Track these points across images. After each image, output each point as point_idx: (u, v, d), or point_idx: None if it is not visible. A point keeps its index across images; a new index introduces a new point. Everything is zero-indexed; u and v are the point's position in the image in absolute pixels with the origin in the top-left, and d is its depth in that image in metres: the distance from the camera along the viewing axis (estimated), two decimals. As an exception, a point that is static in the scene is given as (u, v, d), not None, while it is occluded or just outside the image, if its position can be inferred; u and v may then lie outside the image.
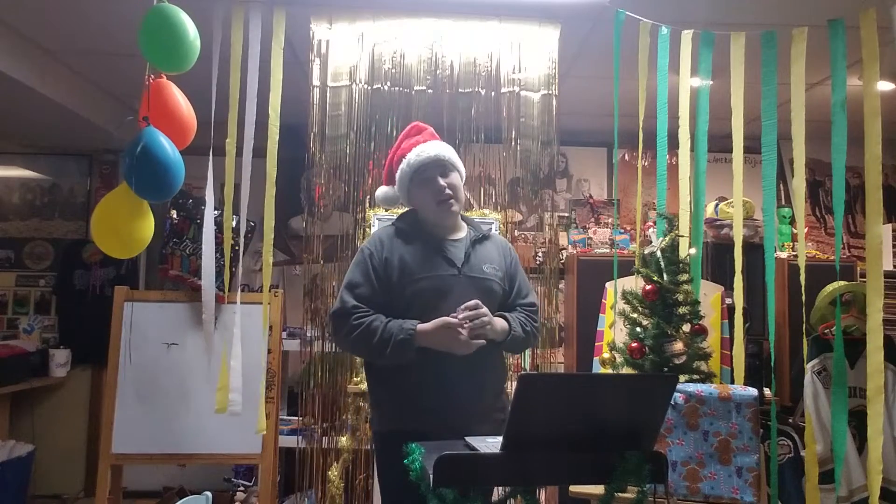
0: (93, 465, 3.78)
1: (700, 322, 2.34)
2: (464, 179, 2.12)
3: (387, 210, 2.96)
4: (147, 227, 2.15)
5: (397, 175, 2.05)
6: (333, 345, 3.03)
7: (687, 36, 2.61)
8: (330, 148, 2.85)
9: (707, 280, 3.27)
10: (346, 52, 2.83)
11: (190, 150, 2.21)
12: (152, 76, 2.14)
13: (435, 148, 2.02)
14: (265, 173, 2.56)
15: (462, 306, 1.86)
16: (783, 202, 4.18)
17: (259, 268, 2.60)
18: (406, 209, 2.16)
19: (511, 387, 2.74)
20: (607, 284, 3.25)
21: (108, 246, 2.14)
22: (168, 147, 2.08)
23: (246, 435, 2.78)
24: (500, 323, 1.95)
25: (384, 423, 1.99)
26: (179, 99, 2.23)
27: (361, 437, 3.08)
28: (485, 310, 1.88)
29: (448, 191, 2.00)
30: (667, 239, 2.36)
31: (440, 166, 2.01)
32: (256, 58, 2.55)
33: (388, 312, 1.92)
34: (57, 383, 4.23)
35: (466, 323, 1.85)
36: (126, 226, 2.11)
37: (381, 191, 2.16)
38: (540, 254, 3.71)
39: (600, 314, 3.30)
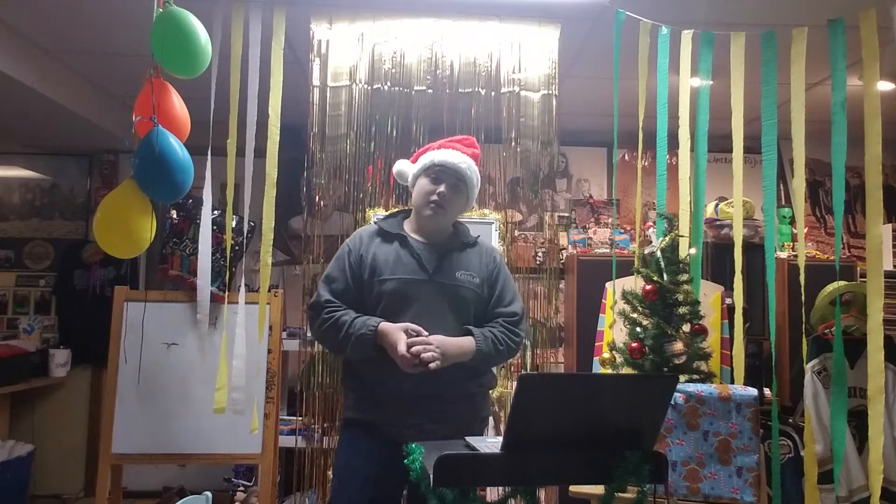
0: (93, 465, 3.78)
1: (700, 322, 2.34)
2: (468, 208, 2.17)
3: (387, 210, 2.96)
4: (149, 226, 2.16)
5: (422, 155, 2.10)
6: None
7: (687, 36, 2.61)
8: (330, 148, 2.85)
9: (707, 280, 3.27)
10: (346, 52, 2.83)
11: (190, 149, 2.21)
12: (152, 76, 2.14)
13: (465, 162, 2.06)
14: (265, 173, 2.56)
15: (413, 340, 1.86)
16: (783, 202, 4.18)
17: (259, 268, 2.60)
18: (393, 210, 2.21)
19: (511, 387, 2.75)
20: (607, 284, 3.25)
21: (111, 245, 2.14)
22: (178, 148, 2.09)
23: (246, 435, 2.77)
24: (460, 346, 1.94)
25: (346, 410, 2.07)
26: (175, 99, 2.23)
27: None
28: (433, 346, 1.86)
29: (441, 199, 2.02)
30: (667, 239, 2.36)
31: (455, 177, 2.05)
32: (256, 58, 2.55)
33: (361, 309, 1.97)
34: (57, 383, 4.22)
35: (414, 356, 1.84)
36: (129, 225, 2.11)
37: (402, 164, 2.19)
38: (540, 254, 3.72)
39: (600, 314, 3.30)
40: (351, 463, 1.99)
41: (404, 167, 2.17)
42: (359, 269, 2.01)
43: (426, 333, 1.89)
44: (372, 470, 1.94)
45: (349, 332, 1.91)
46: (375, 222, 2.13)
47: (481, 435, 2.04)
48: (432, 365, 1.84)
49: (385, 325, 1.90)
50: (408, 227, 2.11)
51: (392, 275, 1.98)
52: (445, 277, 2.01)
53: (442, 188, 2.03)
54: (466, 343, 1.95)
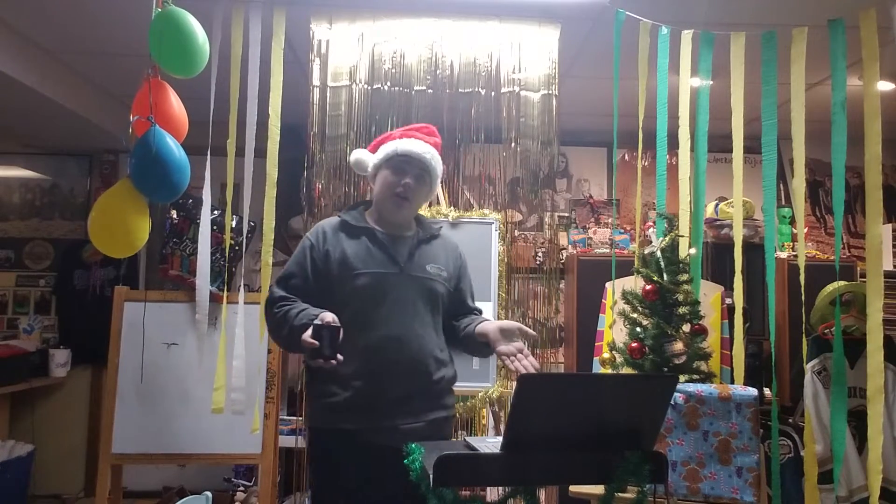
0: (93, 465, 3.78)
1: (700, 322, 2.34)
2: (431, 197, 2.13)
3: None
4: (144, 226, 2.15)
5: (383, 146, 2.02)
6: None
7: (687, 36, 2.61)
8: (330, 148, 2.84)
9: (707, 280, 3.27)
10: (346, 52, 2.83)
11: (190, 149, 2.21)
12: (150, 76, 2.14)
13: (427, 150, 2.00)
14: (265, 173, 2.56)
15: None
16: (783, 202, 4.18)
17: (259, 268, 2.60)
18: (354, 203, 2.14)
19: (511, 387, 2.75)
20: (607, 284, 3.25)
21: (105, 244, 2.13)
22: (175, 148, 2.09)
23: (246, 435, 2.78)
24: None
25: (314, 418, 1.94)
26: (173, 99, 2.23)
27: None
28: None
29: (407, 191, 1.96)
30: (667, 239, 2.36)
31: (418, 167, 1.98)
32: (256, 58, 2.55)
33: (325, 306, 1.83)
34: (57, 383, 4.22)
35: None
36: (124, 224, 2.11)
37: (359, 153, 2.09)
38: (540, 254, 3.71)
39: (600, 314, 3.30)
40: (331, 482, 1.88)
41: (363, 156, 2.07)
42: (324, 265, 1.91)
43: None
44: (356, 485, 1.84)
45: (295, 325, 1.78)
46: (338, 215, 2.04)
47: (450, 433, 2.02)
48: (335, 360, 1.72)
49: (326, 314, 1.76)
50: (370, 219, 2.03)
51: (364, 269, 1.90)
52: (417, 270, 1.95)
53: (407, 179, 1.96)
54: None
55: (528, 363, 1.79)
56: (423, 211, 3.00)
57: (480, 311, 2.10)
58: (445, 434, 1.99)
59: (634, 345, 2.32)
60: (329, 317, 1.73)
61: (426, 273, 1.97)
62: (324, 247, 1.93)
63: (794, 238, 3.80)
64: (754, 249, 3.08)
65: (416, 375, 1.87)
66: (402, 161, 1.97)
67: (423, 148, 2.00)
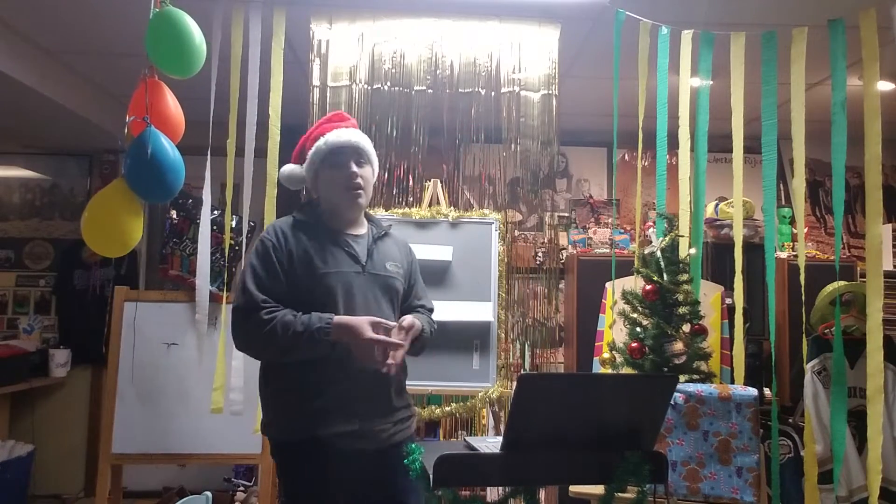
0: (93, 465, 3.78)
1: (700, 322, 2.34)
2: (375, 176, 2.04)
3: (387, 210, 2.96)
4: (137, 226, 2.14)
5: (309, 154, 1.94)
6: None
7: (687, 36, 2.61)
8: (330, 148, 2.84)
9: (707, 280, 3.27)
10: (346, 52, 2.83)
11: (190, 150, 2.21)
12: (146, 76, 2.14)
13: (355, 135, 1.95)
14: (265, 173, 2.56)
15: (399, 329, 1.79)
16: (783, 202, 4.18)
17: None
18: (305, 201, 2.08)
19: (511, 387, 2.74)
20: (607, 284, 3.25)
21: (98, 243, 2.12)
22: (169, 149, 2.09)
23: (246, 435, 2.78)
24: (415, 329, 1.87)
25: (282, 431, 1.85)
26: (169, 99, 2.23)
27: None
28: (401, 353, 1.79)
29: (359, 180, 1.92)
30: (667, 239, 2.36)
31: (356, 154, 1.93)
32: (256, 58, 2.55)
33: (292, 307, 1.80)
34: (57, 383, 4.22)
35: (382, 350, 1.76)
36: (118, 223, 2.09)
37: (288, 168, 2.02)
38: (540, 254, 3.72)
39: (600, 314, 3.30)
40: (311, 493, 1.81)
41: (294, 169, 2.01)
42: (289, 265, 1.84)
43: (388, 322, 1.80)
44: (337, 491, 1.79)
45: (300, 330, 1.73)
46: (291, 215, 1.98)
47: (414, 430, 2.01)
48: (388, 369, 1.75)
49: (343, 319, 1.76)
50: (324, 217, 1.97)
51: (328, 269, 1.85)
52: (377, 269, 1.92)
53: (353, 169, 1.91)
54: (418, 327, 1.88)
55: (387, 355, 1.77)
56: (424, 211, 3.01)
57: (432, 310, 2.07)
58: (412, 431, 1.97)
59: (634, 345, 2.32)
60: (375, 320, 1.77)
61: (387, 271, 1.94)
62: (286, 246, 1.87)
63: (794, 238, 3.80)
64: (754, 249, 3.08)
65: (386, 376, 1.81)
66: (338, 154, 1.92)
67: (351, 134, 1.94)
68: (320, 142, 1.92)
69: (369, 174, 1.98)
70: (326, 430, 1.77)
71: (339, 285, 1.85)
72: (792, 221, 3.90)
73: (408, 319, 1.84)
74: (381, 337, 1.75)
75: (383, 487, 1.84)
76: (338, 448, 1.78)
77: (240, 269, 3.03)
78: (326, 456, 1.78)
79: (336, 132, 1.93)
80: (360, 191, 1.93)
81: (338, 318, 1.76)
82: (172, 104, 2.23)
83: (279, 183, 2.56)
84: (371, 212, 3.00)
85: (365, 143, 1.97)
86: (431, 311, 2.07)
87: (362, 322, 1.76)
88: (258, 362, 1.92)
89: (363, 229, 2.00)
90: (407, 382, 2.01)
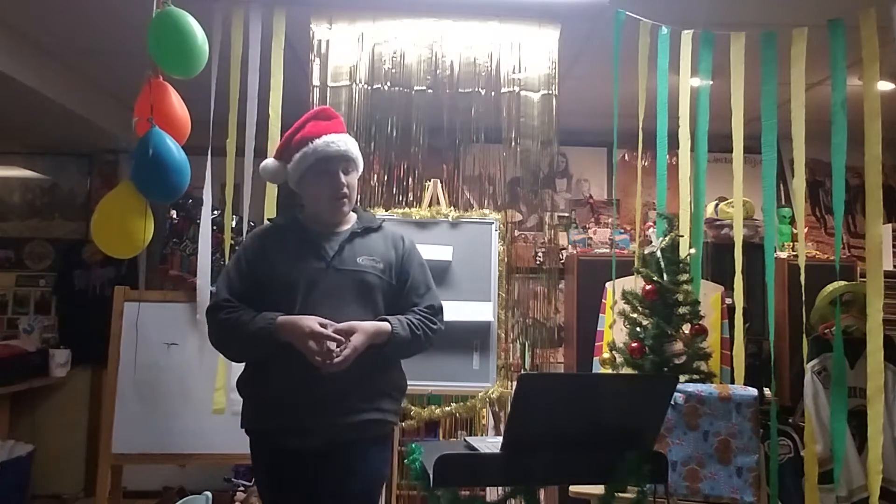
0: (93, 465, 3.78)
1: (700, 322, 2.33)
2: (359, 175, 2.05)
3: (387, 210, 2.96)
4: (147, 226, 2.16)
5: (297, 155, 1.91)
6: None
7: (687, 36, 2.61)
8: (330, 148, 2.84)
9: (707, 280, 3.27)
10: (346, 52, 2.83)
11: (190, 150, 2.21)
12: (151, 77, 2.14)
13: (345, 142, 1.94)
14: (265, 173, 2.55)
15: (333, 330, 1.77)
16: (783, 202, 4.18)
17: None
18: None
19: (511, 387, 2.73)
20: (607, 284, 3.25)
21: (109, 245, 2.14)
22: (174, 148, 2.09)
23: (246, 435, 2.77)
24: (376, 329, 1.84)
25: (246, 420, 1.94)
26: (175, 100, 2.23)
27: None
28: (351, 346, 1.77)
29: (345, 189, 1.93)
30: (667, 239, 2.36)
31: (345, 162, 1.94)
32: (256, 58, 2.55)
33: (259, 308, 1.84)
34: (57, 383, 4.22)
35: (332, 348, 1.75)
36: (127, 225, 2.12)
37: (271, 164, 2.01)
38: (540, 254, 3.72)
39: (600, 314, 3.30)
40: (267, 479, 1.93)
41: (276, 168, 1.99)
42: (257, 267, 1.90)
43: (334, 324, 1.78)
44: (286, 484, 1.86)
45: (248, 330, 1.79)
46: (268, 219, 2.04)
47: (386, 438, 1.97)
48: (337, 360, 1.74)
49: (286, 318, 1.78)
50: (304, 218, 1.99)
51: (289, 267, 1.87)
52: (345, 264, 1.90)
53: (341, 179, 1.92)
54: (382, 327, 1.85)
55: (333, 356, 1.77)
56: (424, 211, 3.01)
57: (432, 307, 1.99)
58: (380, 438, 1.92)
59: (634, 345, 2.32)
60: (319, 319, 1.77)
61: (356, 266, 1.90)
62: (255, 250, 1.93)
63: (794, 238, 3.80)
64: (754, 249, 3.08)
65: (346, 372, 1.78)
66: (327, 162, 1.91)
67: (338, 139, 1.93)
68: (309, 147, 1.90)
69: (355, 180, 2.00)
70: (269, 423, 1.86)
71: (297, 282, 1.86)
72: (792, 221, 3.90)
73: (354, 324, 1.80)
74: (322, 331, 1.74)
75: (327, 487, 1.85)
76: (280, 442, 1.85)
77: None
78: (272, 448, 1.87)
79: (325, 139, 1.91)
80: (346, 200, 1.95)
81: (281, 318, 1.79)
82: (178, 105, 2.23)
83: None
84: (371, 211, 3.02)
85: (353, 149, 1.97)
86: (433, 309, 1.99)
87: (304, 321, 1.77)
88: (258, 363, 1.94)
89: (346, 226, 1.99)
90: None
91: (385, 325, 1.86)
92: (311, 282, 1.86)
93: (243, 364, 1.97)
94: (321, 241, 1.93)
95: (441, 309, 2.02)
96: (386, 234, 2.04)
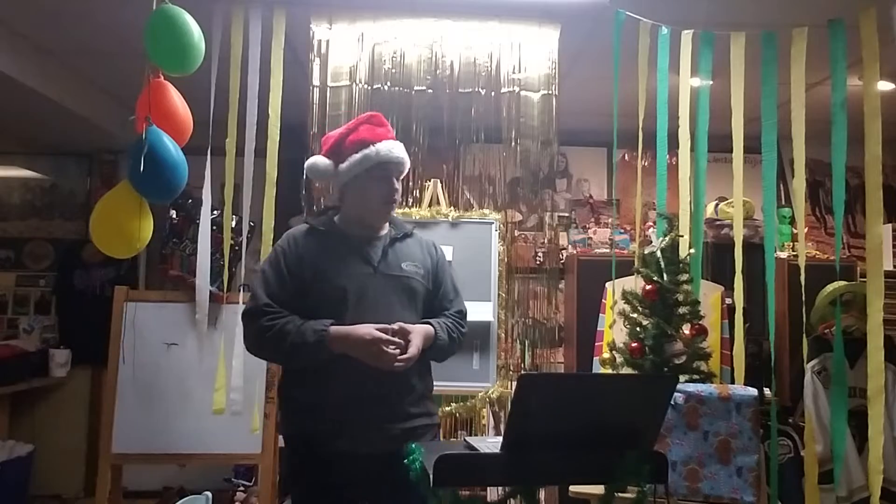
0: (93, 465, 3.77)
1: (700, 322, 2.33)
2: None
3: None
4: (146, 226, 2.16)
5: (356, 157, 1.91)
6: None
7: (687, 36, 2.61)
8: (330, 148, 2.84)
9: (707, 280, 3.27)
10: (346, 52, 2.83)
11: (190, 149, 2.21)
12: (151, 76, 2.14)
13: (402, 151, 1.98)
14: (265, 173, 2.56)
15: (392, 332, 1.78)
16: (783, 202, 4.18)
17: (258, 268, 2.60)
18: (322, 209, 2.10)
19: (511, 387, 2.73)
20: (607, 284, 3.25)
21: (107, 245, 2.14)
22: (172, 148, 2.09)
23: (246, 435, 2.78)
24: (427, 334, 1.87)
25: (290, 425, 1.92)
26: (176, 99, 2.23)
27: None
28: (415, 347, 1.80)
29: (398, 196, 1.98)
30: (667, 239, 2.36)
31: (398, 169, 1.97)
32: (256, 58, 2.55)
33: (301, 313, 1.83)
34: (57, 383, 4.22)
35: (394, 348, 1.77)
36: (126, 225, 2.11)
37: (322, 162, 1.98)
38: (540, 254, 3.71)
39: (600, 314, 3.30)
40: (310, 486, 1.86)
41: (326, 167, 1.97)
42: (298, 271, 1.87)
43: (389, 326, 1.80)
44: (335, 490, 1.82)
45: (297, 340, 1.77)
46: (306, 221, 2.01)
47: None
48: (402, 360, 1.77)
49: (338, 329, 1.78)
50: (341, 222, 1.99)
51: (338, 272, 1.87)
52: (392, 269, 1.92)
53: (396, 185, 1.96)
54: (429, 330, 1.88)
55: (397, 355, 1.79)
56: (424, 211, 3.01)
57: (461, 312, 2.04)
58: (427, 440, 1.93)
59: (634, 345, 2.32)
60: (377, 326, 1.78)
61: (402, 271, 1.93)
62: (296, 253, 1.90)
63: (794, 238, 3.80)
64: (754, 249, 3.08)
65: (397, 378, 1.82)
66: (385, 168, 1.93)
67: (396, 146, 1.96)
68: (370, 150, 1.91)
69: (400, 187, 2.03)
70: (319, 427, 1.82)
71: (347, 287, 1.86)
72: (792, 221, 3.89)
73: (409, 326, 1.83)
74: (384, 336, 1.77)
75: (378, 492, 1.82)
76: (331, 446, 1.81)
77: (239, 269, 3.03)
78: (321, 452, 1.82)
79: (387, 145, 1.94)
80: (395, 205, 1.99)
81: (333, 330, 1.78)
82: (180, 104, 2.23)
83: (279, 183, 2.57)
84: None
85: (407, 158, 2.00)
86: (461, 314, 2.04)
87: (360, 331, 1.78)
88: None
89: (382, 231, 2.00)
90: None
91: (430, 329, 1.89)
92: (360, 287, 1.87)
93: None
94: (364, 246, 1.93)
95: (467, 313, 2.07)
96: (419, 239, 2.07)
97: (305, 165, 2.02)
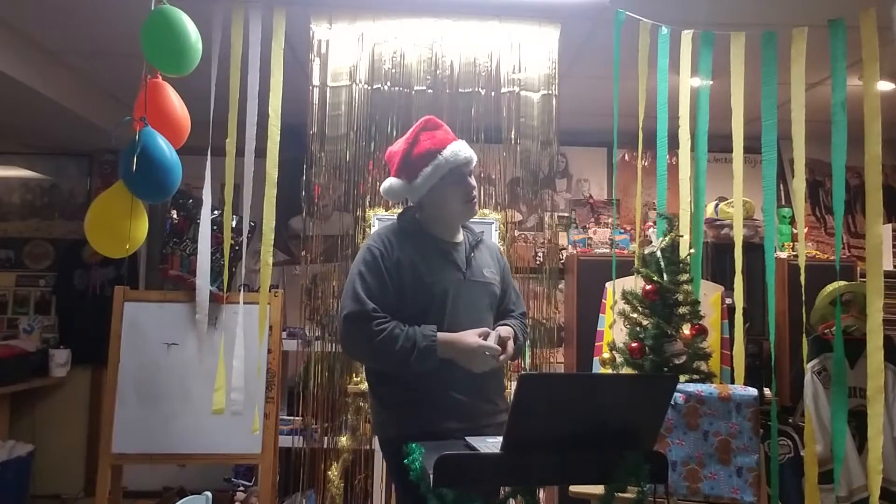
0: (93, 465, 3.78)
1: (700, 322, 2.33)
2: None
3: (387, 210, 2.96)
4: (140, 226, 2.14)
5: (427, 169, 1.93)
6: (335, 346, 3.01)
7: (687, 36, 2.61)
8: (330, 148, 2.85)
9: (707, 280, 3.27)
10: (346, 52, 2.83)
11: (191, 150, 2.21)
12: (148, 76, 2.14)
13: (467, 148, 2.01)
14: (265, 173, 2.56)
15: (493, 336, 1.87)
16: (783, 202, 4.18)
17: (259, 268, 2.60)
18: (405, 207, 2.11)
19: (511, 387, 2.73)
20: (607, 284, 3.25)
21: (101, 244, 2.13)
22: (165, 148, 2.08)
23: (246, 435, 2.78)
24: (512, 335, 1.95)
25: (393, 428, 1.90)
26: (174, 99, 2.22)
27: (361, 437, 3.08)
28: (515, 349, 1.90)
29: (475, 192, 2.01)
30: (667, 239, 2.36)
31: (469, 167, 2.02)
32: (256, 58, 2.55)
33: (397, 316, 1.85)
34: (57, 383, 4.22)
35: (495, 353, 1.85)
36: (120, 225, 2.10)
37: (396, 184, 1.99)
38: (540, 254, 3.71)
39: (600, 314, 3.30)
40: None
41: (402, 183, 1.98)
42: (397, 273, 1.88)
43: (488, 331, 1.89)
44: None
45: (407, 345, 1.80)
46: (396, 222, 2.02)
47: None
48: (507, 354, 1.87)
49: (445, 336, 1.84)
50: (426, 224, 2.01)
51: (435, 277, 1.90)
52: (476, 276, 1.99)
53: (472, 182, 2.00)
54: (511, 333, 1.96)
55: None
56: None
57: (524, 314, 2.14)
58: None
59: (634, 345, 2.32)
60: (477, 331, 1.87)
61: (485, 278, 2.01)
62: (393, 254, 1.90)
63: (794, 238, 3.80)
64: (754, 249, 3.08)
65: (490, 378, 1.92)
66: (461, 167, 1.97)
67: (461, 146, 2.00)
68: (440, 160, 1.94)
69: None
70: (440, 427, 1.83)
71: (445, 293, 1.91)
72: (792, 221, 3.90)
73: (504, 330, 1.92)
74: (489, 344, 1.84)
75: None
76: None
77: (240, 269, 3.03)
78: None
79: (452, 149, 1.96)
80: (476, 201, 2.02)
81: (441, 336, 1.83)
82: (178, 104, 2.23)
83: (279, 183, 2.57)
84: (370, 211, 3.02)
85: (473, 153, 2.03)
86: (525, 314, 2.15)
87: (467, 339, 1.85)
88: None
89: (460, 237, 2.05)
90: None
91: (513, 332, 1.96)
92: (455, 293, 1.92)
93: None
94: (452, 252, 1.99)
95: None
96: (487, 245, 2.13)
97: (381, 191, 2.06)
